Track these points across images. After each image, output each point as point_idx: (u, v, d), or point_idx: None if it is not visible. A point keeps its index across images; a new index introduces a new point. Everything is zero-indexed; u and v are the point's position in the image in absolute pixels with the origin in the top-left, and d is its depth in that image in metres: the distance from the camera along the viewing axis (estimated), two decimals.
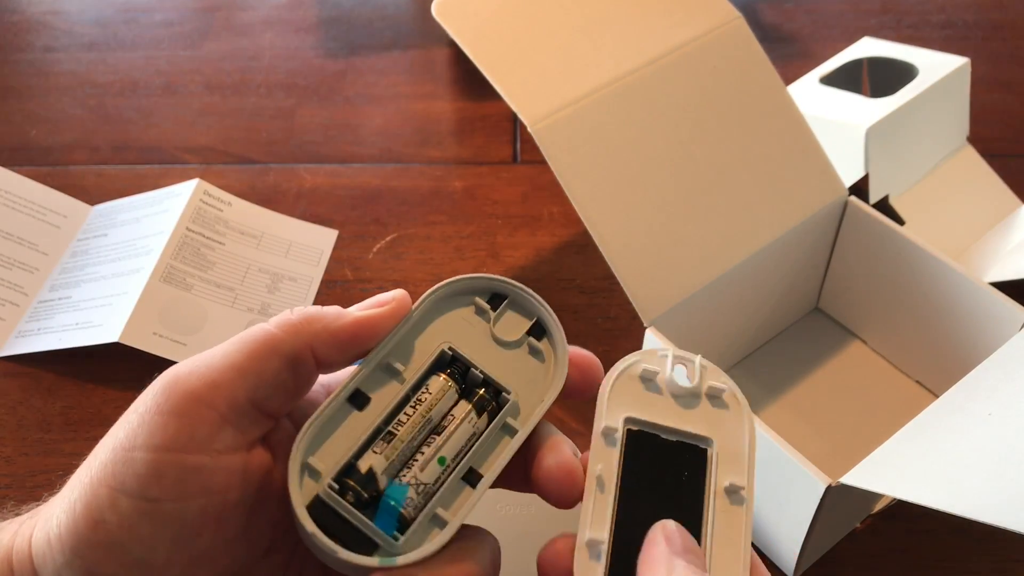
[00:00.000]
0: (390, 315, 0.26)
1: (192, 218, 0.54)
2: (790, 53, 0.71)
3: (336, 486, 0.24)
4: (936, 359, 0.46)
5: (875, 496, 0.41)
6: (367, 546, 0.24)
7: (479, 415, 0.26)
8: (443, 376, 0.26)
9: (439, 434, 0.26)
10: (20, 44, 0.74)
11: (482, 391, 0.27)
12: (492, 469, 0.26)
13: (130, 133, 0.65)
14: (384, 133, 0.66)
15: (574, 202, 0.40)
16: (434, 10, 0.43)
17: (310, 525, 0.23)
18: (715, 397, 0.28)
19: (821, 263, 0.49)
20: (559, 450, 0.26)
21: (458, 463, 0.26)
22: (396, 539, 0.24)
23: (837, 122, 0.52)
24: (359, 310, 0.26)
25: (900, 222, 0.52)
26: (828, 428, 0.46)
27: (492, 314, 0.28)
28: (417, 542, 0.24)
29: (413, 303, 0.27)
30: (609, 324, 0.52)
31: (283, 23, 0.76)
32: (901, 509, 0.42)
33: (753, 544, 0.42)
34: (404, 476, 0.25)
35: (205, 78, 0.70)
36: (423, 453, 0.25)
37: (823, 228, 0.47)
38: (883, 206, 0.53)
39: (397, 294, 0.26)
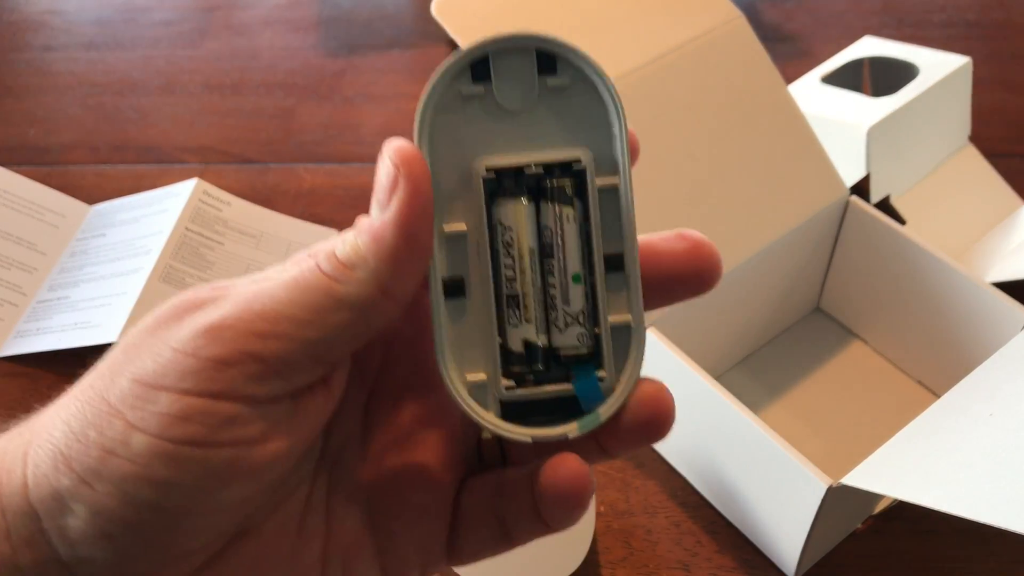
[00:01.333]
0: (416, 188, 0.21)
1: (191, 218, 0.54)
2: (791, 52, 0.71)
3: (512, 383, 0.22)
4: (937, 359, 0.46)
5: (876, 497, 0.41)
6: (572, 408, 0.22)
7: (571, 205, 0.22)
8: (508, 201, 0.22)
9: (552, 256, 0.22)
10: (19, 43, 0.74)
11: (553, 182, 0.22)
12: (627, 237, 0.22)
13: (129, 133, 0.65)
14: (384, 133, 0.65)
15: None
16: (433, 9, 0.43)
17: (526, 435, 0.22)
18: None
19: (822, 263, 0.49)
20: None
21: (592, 263, 0.22)
22: (601, 379, 0.22)
23: (838, 122, 0.52)
24: (383, 211, 0.21)
25: (901, 222, 0.52)
26: (829, 428, 0.46)
27: (485, 89, 0.22)
28: (613, 362, 0.22)
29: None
30: None
31: (282, 22, 0.76)
32: (902, 510, 0.42)
33: (754, 545, 0.42)
34: (557, 321, 0.22)
35: (204, 77, 0.70)
36: (554, 287, 0.22)
37: (824, 228, 0.47)
38: (884, 206, 0.53)
39: (400, 154, 0.21)
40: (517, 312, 0.22)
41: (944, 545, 0.41)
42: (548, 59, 0.23)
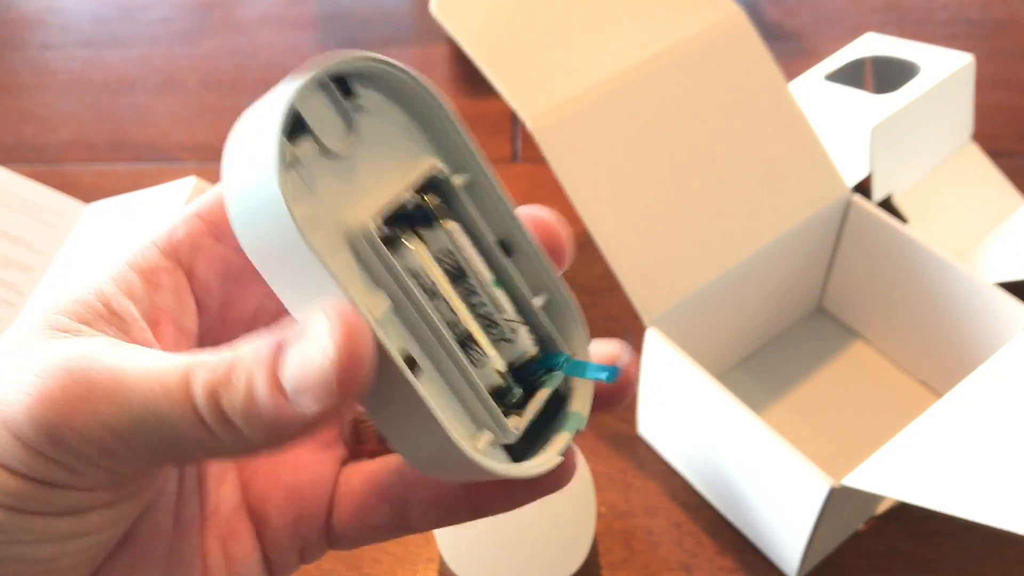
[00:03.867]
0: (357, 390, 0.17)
1: None
2: (792, 50, 0.71)
3: (517, 421, 0.20)
4: (940, 359, 0.46)
5: (878, 497, 0.41)
6: (552, 406, 0.21)
7: (451, 218, 0.21)
8: (406, 247, 0.20)
9: (466, 276, 0.20)
10: (16, 41, 0.74)
11: (425, 203, 0.20)
12: (507, 217, 0.21)
13: (127, 131, 0.65)
14: None
15: (574, 201, 0.40)
16: (433, 7, 0.43)
17: (557, 457, 0.20)
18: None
19: (824, 262, 0.49)
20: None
21: (492, 260, 0.21)
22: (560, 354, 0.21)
23: (840, 120, 0.52)
24: (303, 392, 0.17)
25: (904, 221, 0.52)
26: (831, 428, 0.45)
27: (307, 143, 0.19)
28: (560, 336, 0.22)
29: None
30: (610, 324, 0.51)
31: (281, 20, 0.76)
32: (904, 511, 0.42)
33: (755, 546, 0.41)
34: (505, 335, 0.21)
35: (202, 75, 0.70)
36: (484, 304, 0.21)
37: (826, 227, 0.46)
38: (887, 205, 0.53)
39: (343, 365, 0.17)
40: (476, 350, 0.20)
41: (946, 546, 0.41)
42: (343, 83, 0.20)
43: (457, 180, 0.21)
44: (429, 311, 0.19)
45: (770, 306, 0.48)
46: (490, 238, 0.21)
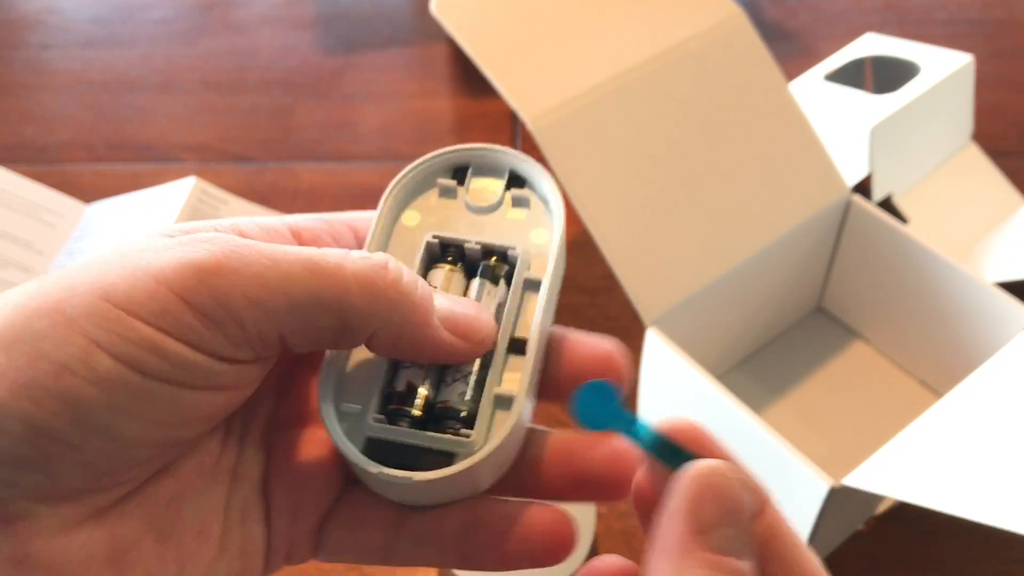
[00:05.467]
0: (475, 351, 0.22)
1: (189, 217, 0.53)
2: (792, 50, 0.71)
3: (382, 417, 0.22)
4: (940, 359, 0.46)
5: (878, 497, 0.41)
6: (437, 459, 0.22)
7: (495, 283, 0.24)
8: (443, 267, 0.24)
9: None
10: (16, 41, 0.74)
11: (488, 260, 0.24)
12: (535, 326, 0.23)
13: (126, 131, 0.65)
14: (383, 131, 0.65)
15: (574, 200, 0.40)
16: (433, 7, 0.43)
17: (374, 467, 0.21)
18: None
19: (824, 262, 0.49)
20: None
21: (497, 339, 0.23)
22: (467, 436, 0.22)
23: (840, 120, 0.52)
24: (444, 331, 0.21)
25: (904, 221, 0.52)
26: (831, 428, 0.45)
27: (460, 188, 0.25)
28: (486, 430, 0.22)
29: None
30: (609, 324, 0.51)
31: (280, 20, 0.76)
32: (905, 511, 0.41)
33: None
34: (446, 377, 0.23)
35: (202, 75, 0.70)
36: None
37: (825, 227, 0.46)
38: (887, 205, 0.53)
39: (486, 330, 0.22)
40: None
41: (946, 546, 0.41)
42: (515, 178, 0.25)
43: (527, 274, 0.24)
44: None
45: (770, 306, 0.48)
46: (510, 325, 0.23)
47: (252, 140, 0.64)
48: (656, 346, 0.40)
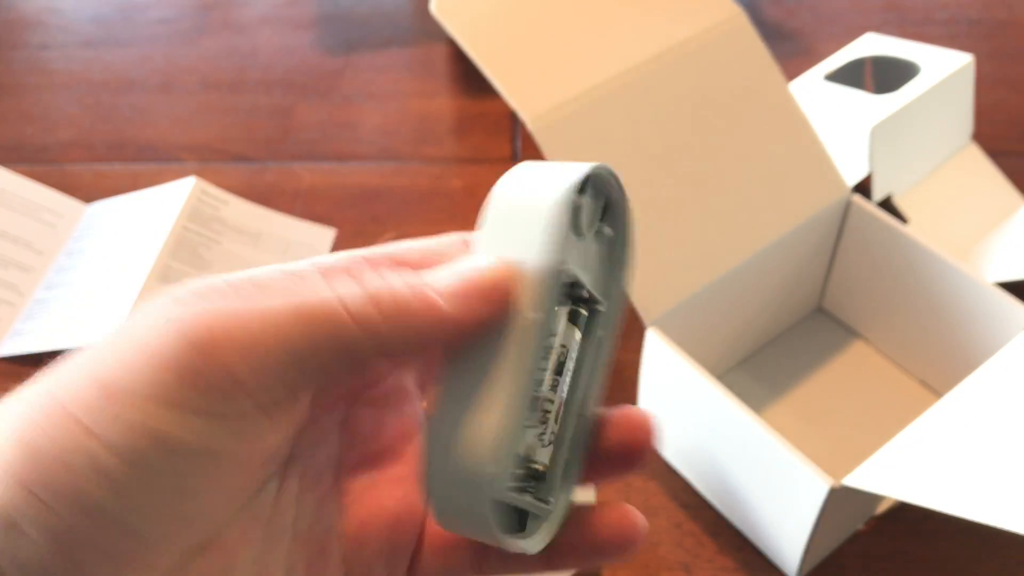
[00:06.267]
0: (495, 314, 0.20)
1: (189, 217, 0.53)
2: (792, 50, 0.71)
3: (513, 484, 0.21)
4: (940, 359, 0.46)
5: (878, 497, 0.40)
6: (512, 512, 0.22)
7: (584, 338, 0.22)
8: (562, 312, 0.22)
9: (560, 375, 0.22)
10: (16, 41, 0.74)
11: (580, 307, 0.22)
12: (595, 395, 0.23)
13: (126, 131, 0.65)
14: (383, 131, 0.65)
15: None
16: (433, 7, 0.43)
17: (510, 540, 0.20)
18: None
19: (824, 262, 0.49)
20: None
21: (574, 395, 0.22)
22: (547, 503, 0.21)
23: (840, 120, 0.52)
24: (451, 295, 0.19)
25: (904, 221, 0.52)
26: (831, 428, 0.45)
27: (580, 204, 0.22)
28: (568, 494, 0.22)
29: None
30: None
31: (281, 20, 0.76)
32: (904, 511, 0.41)
33: (755, 546, 0.41)
34: (543, 436, 0.22)
35: (202, 76, 0.70)
36: (552, 401, 0.22)
37: (826, 227, 0.46)
38: (887, 205, 0.53)
39: (498, 277, 0.20)
40: (534, 418, 0.21)
41: (946, 546, 0.41)
42: (609, 208, 0.23)
43: (599, 332, 0.23)
44: (535, 350, 0.20)
45: (770, 306, 0.48)
46: (591, 385, 0.23)
47: (252, 140, 0.64)
48: (656, 346, 0.40)
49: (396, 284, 0.20)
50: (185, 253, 0.52)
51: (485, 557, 0.23)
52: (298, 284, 0.19)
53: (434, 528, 0.23)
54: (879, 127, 0.50)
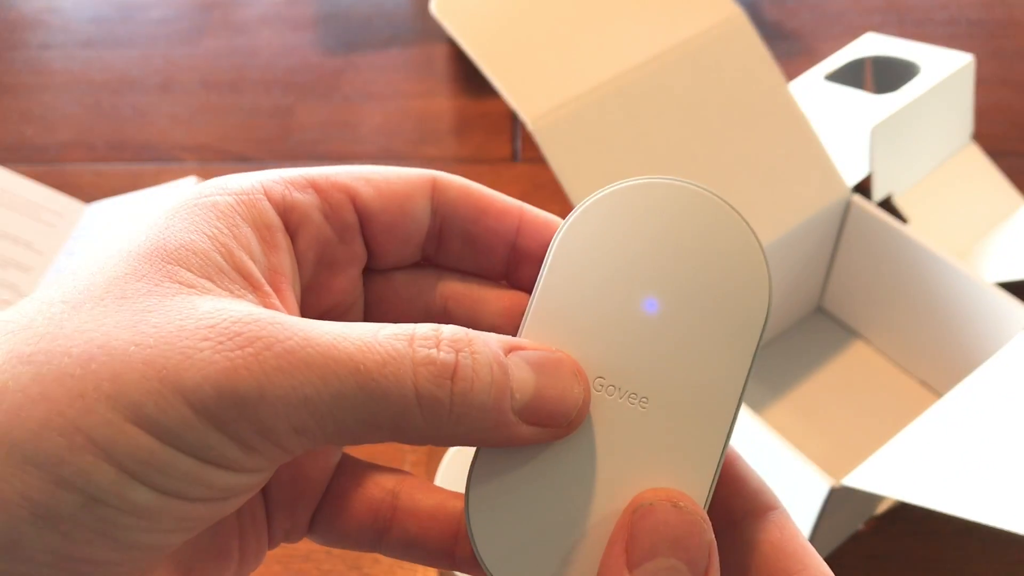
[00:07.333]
0: (557, 436, 0.18)
1: None
2: (792, 50, 0.71)
3: None
4: (940, 359, 0.46)
5: (878, 497, 0.40)
6: None
7: None
8: None
9: None
10: (16, 41, 0.74)
11: None
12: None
13: (126, 131, 0.65)
14: (383, 131, 0.65)
15: (573, 201, 0.40)
16: (433, 7, 0.43)
17: None
18: None
19: (824, 262, 0.49)
20: None
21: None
22: None
23: (840, 120, 0.51)
24: (522, 426, 0.17)
25: (904, 221, 0.52)
26: (831, 428, 0.45)
27: None
28: None
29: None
30: None
31: (281, 20, 0.76)
32: (905, 511, 0.41)
33: None
34: None
35: (202, 76, 0.70)
36: None
37: (826, 227, 0.46)
38: (887, 205, 0.52)
39: (585, 405, 0.18)
40: None
41: (946, 546, 0.41)
42: None
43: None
44: None
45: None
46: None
47: (252, 140, 0.64)
48: None
49: (477, 368, 0.17)
50: None
51: (388, 530, 0.21)
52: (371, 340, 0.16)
53: (338, 486, 0.21)
54: (879, 127, 0.50)
